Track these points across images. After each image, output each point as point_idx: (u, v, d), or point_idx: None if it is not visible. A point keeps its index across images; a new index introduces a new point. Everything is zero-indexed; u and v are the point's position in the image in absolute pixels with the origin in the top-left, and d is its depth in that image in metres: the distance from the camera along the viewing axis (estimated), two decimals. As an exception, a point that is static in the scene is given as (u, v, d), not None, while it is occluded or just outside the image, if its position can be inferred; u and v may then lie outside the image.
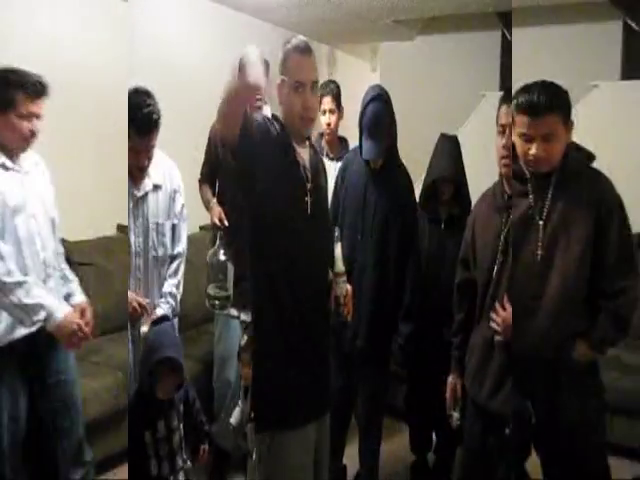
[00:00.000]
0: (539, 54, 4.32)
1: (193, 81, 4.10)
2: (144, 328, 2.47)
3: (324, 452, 2.22)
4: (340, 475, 3.08)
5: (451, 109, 5.02)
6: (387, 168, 2.74)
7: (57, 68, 3.46)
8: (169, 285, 2.74)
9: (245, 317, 2.88)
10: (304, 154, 2.09)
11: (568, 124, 2.05)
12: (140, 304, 2.56)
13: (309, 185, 2.05)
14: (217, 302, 2.72)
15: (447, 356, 2.78)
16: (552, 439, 2.12)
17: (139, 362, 2.47)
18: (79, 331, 2.17)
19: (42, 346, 2.30)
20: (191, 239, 3.74)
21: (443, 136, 3.08)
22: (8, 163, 2.23)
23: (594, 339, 2.07)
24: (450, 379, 2.50)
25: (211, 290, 2.73)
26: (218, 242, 2.73)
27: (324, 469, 2.23)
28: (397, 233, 2.69)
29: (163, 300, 2.71)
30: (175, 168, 2.74)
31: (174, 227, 2.71)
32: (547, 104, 1.97)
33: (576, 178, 2.08)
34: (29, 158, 2.32)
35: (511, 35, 4.87)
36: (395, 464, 3.40)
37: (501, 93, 4.89)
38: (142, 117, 2.41)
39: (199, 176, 3.27)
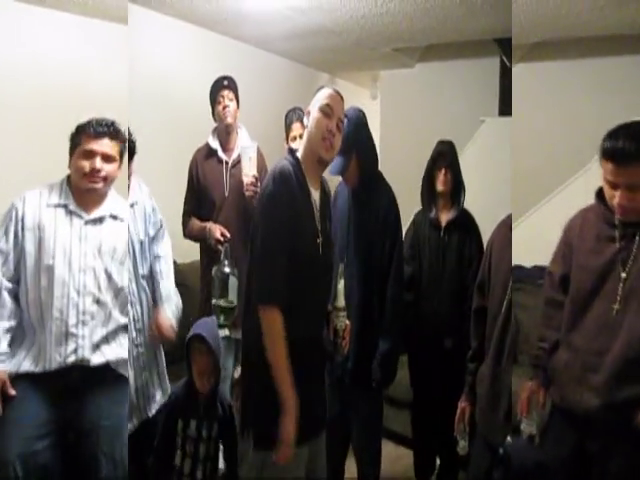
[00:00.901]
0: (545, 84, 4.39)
1: (192, 114, 4.13)
2: None
3: (320, 469, 2.30)
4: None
5: (451, 135, 5.01)
6: (367, 189, 2.76)
7: (56, 90, 3.54)
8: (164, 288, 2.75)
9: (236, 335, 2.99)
10: (316, 195, 2.21)
11: None
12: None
13: (319, 226, 2.18)
14: (223, 315, 2.76)
15: (451, 371, 2.79)
16: None
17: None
18: None
19: (76, 386, 2.35)
20: (191, 267, 3.77)
21: (440, 141, 3.22)
22: (72, 206, 2.39)
23: None
24: (460, 404, 2.50)
25: (217, 302, 2.77)
26: (223, 256, 2.77)
27: None
28: (379, 254, 2.70)
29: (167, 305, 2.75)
30: (149, 194, 2.75)
31: (154, 239, 2.72)
32: (632, 151, 1.83)
33: None
34: (105, 210, 2.45)
35: (510, 62, 4.92)
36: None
37: (501, 119, 4.95)
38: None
39: (183, 216, 3.29)
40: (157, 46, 4.08)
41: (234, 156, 3.23)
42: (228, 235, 3.04)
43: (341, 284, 2.23)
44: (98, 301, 2.38)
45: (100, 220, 2.44)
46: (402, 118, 5.69)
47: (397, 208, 2.78)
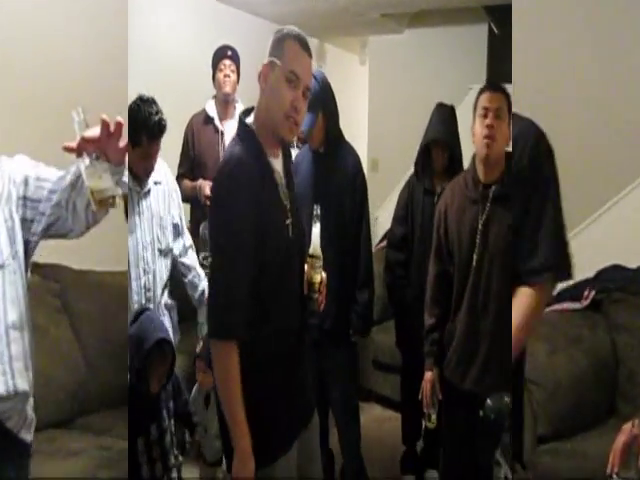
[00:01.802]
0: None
1: (183, 79, 4.11)
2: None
3: (314, 457, 2.07)
4: (328, 459, 3.13)
5: (439, 101, 5.06)
6: (331, 150, 2.80)
7: (55, 63, 3.49)
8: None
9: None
10: (277, 165, 1.82)
11: None
12: None
13: (288, 204, 1.81)
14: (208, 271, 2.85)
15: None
16: None
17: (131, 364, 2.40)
18: None
19: None
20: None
21: (439, 104, 3.13)
22: None
23: None
24: (428, 376, 2.48)
25: (204, 260, 2.86)
26: None
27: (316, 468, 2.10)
28: (350, 211, 2.77)
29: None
30: (170, 173, 2.88)
31: (176, 226, 2.82)
32: None
33: None
34: None
35: (498, 28, 4.91)
36: (384, 452, 3.46)
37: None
38: (154, 124, 2.52)
39: (176, 179, 3.28)
40: (150, 9, 4.03)
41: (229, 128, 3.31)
42: None
43: (316, 229, 2.00)
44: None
45: None
46: (390, 84, 5.67)
47: (362, 167, 2.87)
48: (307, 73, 1.75)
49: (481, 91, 2.30)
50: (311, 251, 1.97)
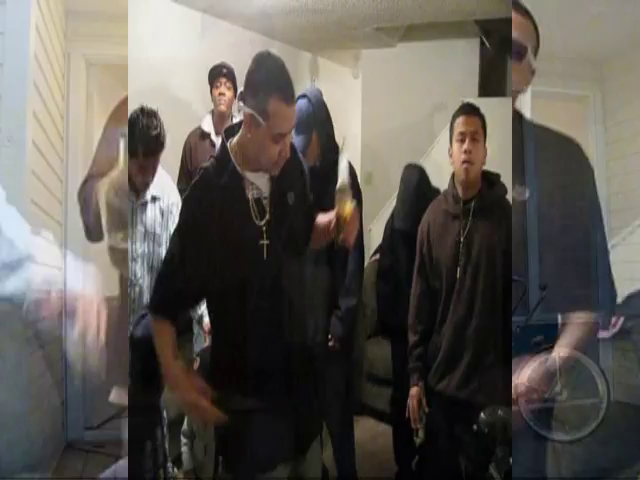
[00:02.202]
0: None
1: (175, 85, 4.12)
2: None
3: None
4: (322, 473, 3.11)
5: (431, 115, 5.09)
6: (327, 165, 2.79)
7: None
8: None
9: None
10: (260, 180, 1.82)
11: None
12: None
13: (265, 224, 1.79)
14: None
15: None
16: None
17: (136, 366, 2.37)
18: None
19: None
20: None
21: (407, 167, 3.19)
22: None
23: None
24: (414, 391, 2.49)
25: None
26: None
27: None
28: None
29: None
30: (174, 187, 2.85)
31: None
32: None
33: None
34: None
35: (489, 42, 4.93)
36: (378, 466, 3.44)
37: (480, 99, 4.93)
38: (150, 139, 2.50)
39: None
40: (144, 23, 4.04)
41: None
42: None
43: (343, 163, 1.99)
44: None
45: None
46: (383, 97, 5.70)
47: (357, 181, 2.89)
48: (292, 122, 1.75)
49: (456, 115, 2.39)
50: (338, 185, 1.94)
